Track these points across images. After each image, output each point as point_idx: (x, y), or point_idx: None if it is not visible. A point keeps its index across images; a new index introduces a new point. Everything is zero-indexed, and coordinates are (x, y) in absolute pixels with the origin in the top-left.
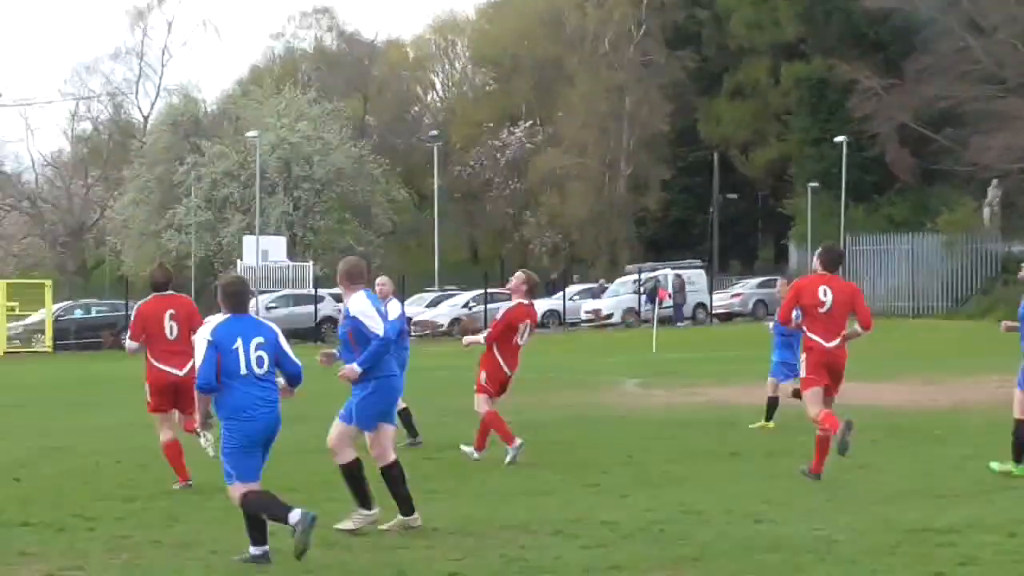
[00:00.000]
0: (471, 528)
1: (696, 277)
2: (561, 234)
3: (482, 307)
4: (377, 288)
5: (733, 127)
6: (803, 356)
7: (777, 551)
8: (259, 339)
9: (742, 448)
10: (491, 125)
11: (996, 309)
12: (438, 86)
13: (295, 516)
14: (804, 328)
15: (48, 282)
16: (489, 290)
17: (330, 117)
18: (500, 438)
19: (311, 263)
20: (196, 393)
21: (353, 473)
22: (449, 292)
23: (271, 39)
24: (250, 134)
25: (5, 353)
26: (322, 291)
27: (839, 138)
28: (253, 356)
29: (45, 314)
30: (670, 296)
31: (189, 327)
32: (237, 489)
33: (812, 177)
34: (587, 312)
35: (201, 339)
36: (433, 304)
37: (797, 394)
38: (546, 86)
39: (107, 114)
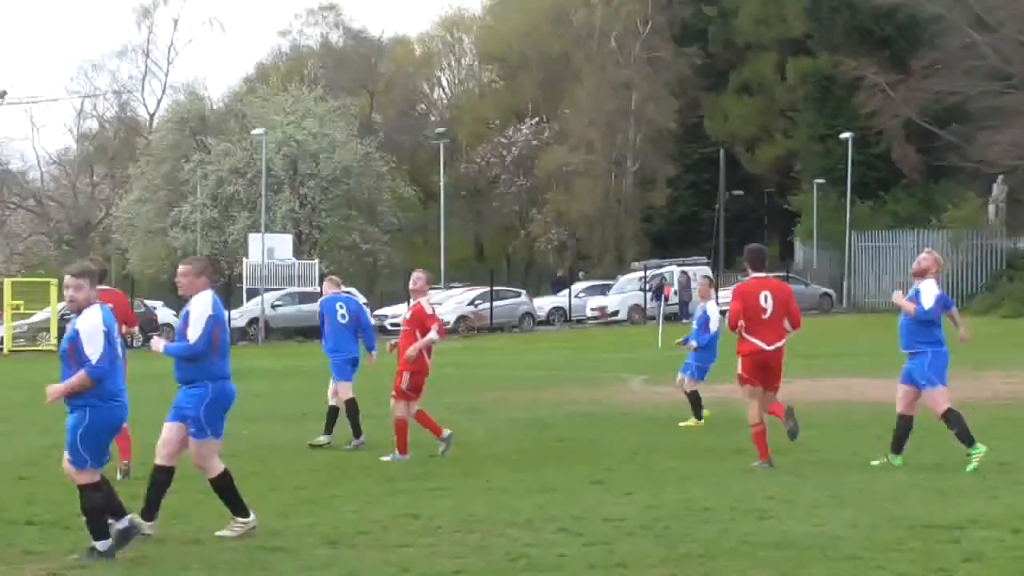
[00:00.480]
0: (475, 525)
1: (701, 274)
2: (567, 231)
3: (488, 304)
4: (325, 286)
5: (739, 123)
6: (740, 359)
7: (781, 548)
8: (113, 327)
9: (746, 444)
10: (497, 122)
11: (1001, 305)
12: (444, 83)
13: (104, 545)
14: (744, 332)
15: (53, 280)
16: (495, 287)
17: (336, 114)
18: (396, 444)
19: (317, 261)
20: (86, 378)
21: (226, 484)
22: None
23: (278, 36)
24: (256, 132)
25: (10, 351)
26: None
27: (845, 134)
28: (118, 343)
29: (50, 312)
30: (675, 293)
31: (123, 322)
32: (90, 476)
33: (818, 174)
34: (593, 309)
35: (97, 328)
36: (439, 302)
37: (694, 395)
38: (553, 83)
39: (113, 112)
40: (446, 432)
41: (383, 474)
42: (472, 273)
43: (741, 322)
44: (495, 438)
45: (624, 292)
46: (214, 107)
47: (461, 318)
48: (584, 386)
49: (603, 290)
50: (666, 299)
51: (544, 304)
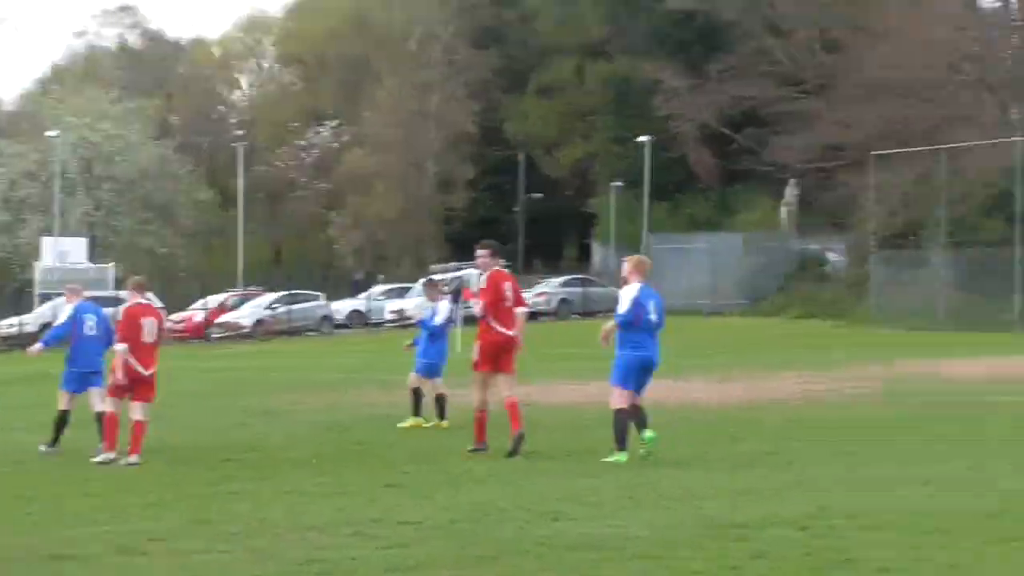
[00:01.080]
0: (271, 529)
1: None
2: (366, 234)
3: (287, 308)
4: (67, 296)
5: (539, 126)
6: (477, 344)
7: (576, 549)
8: None
9: (542, 446)
10: (297, 124)
11: (793, 306)
12: (244, 85)
13: None
14: (490, 319)
15: None
16: (293, 291)
17: (133, 116)
18: (105, 438)
19: (112, 265)
20: None
21: None
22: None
23: (73, 37)
24: (50, 133)
25: None
26: (123, 293)
27: (642, 138)
28: None
29: None
30: (474, 295)
31: None
32: None
33: (615, 176)
34: (392, 312)
35: None
36: (236, 305)
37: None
38: (353, 85)
39: None
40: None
41: (177, 480)
42: (270, 276)
43: (491, 309)
44: (293, 441)
45: (423, 295)
46: (6, 108)
47: (259, 322)
48: (382, 389)
49: (402, 293)
50: (465, 302)
51: (343, 307)
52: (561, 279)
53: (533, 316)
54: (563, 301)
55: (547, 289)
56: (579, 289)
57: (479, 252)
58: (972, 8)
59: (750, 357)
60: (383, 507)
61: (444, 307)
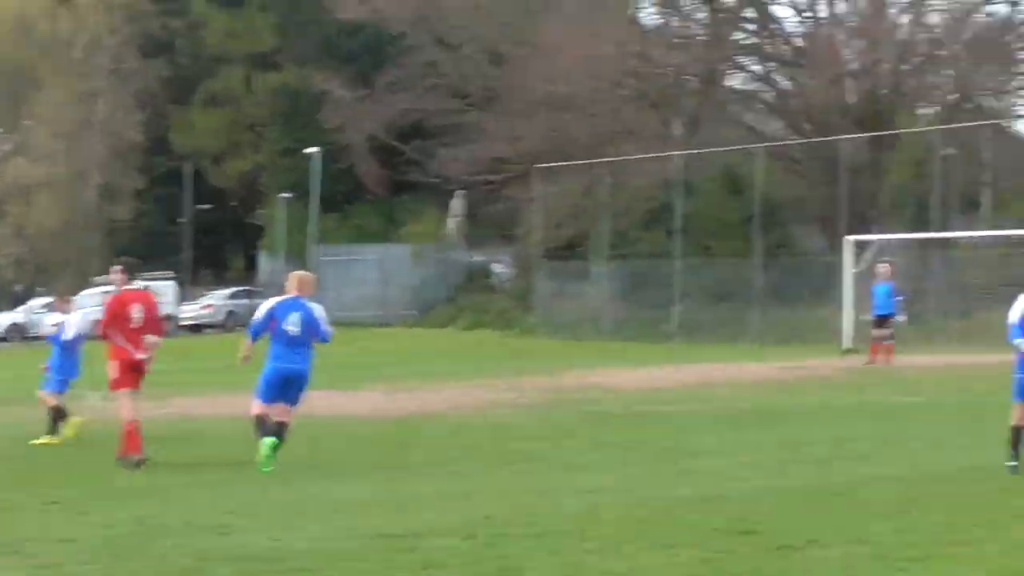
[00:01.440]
0: None
1: (164, 289)
2: (28, 245)
3: None
4: None
5: (206, 137)
6: (115, 363)
7: (234, 562)
8: None
9: (206, 459)
10: None
11: (462, 317)
12: None
13: None
14: (115, 339)
15: None
16: None
17: None
18: None
19: None
20: None
21: None
22: None
23: None
24: None
25: None
26: None
27: (311, 149)
28: None
29: None
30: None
31: None
32: None
33: (284, 188)
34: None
35: None
36: None
37: (59, 412)
38: (16, 93)
39: None
40: None
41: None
42: None
43: (112, 329)
44: None
45: (83, 308)
46: None
47: None
48: (35, 405)
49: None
50: None
51: (1, 321)
52: (228, 291)
53: (198, 328)
54: (230, 313)
55: (214, 301)
56: (246, 301)
57: (112, 270)
58: (634, 25)
59: (418, 368)
60: (40, 525)
61: (74, 320)
